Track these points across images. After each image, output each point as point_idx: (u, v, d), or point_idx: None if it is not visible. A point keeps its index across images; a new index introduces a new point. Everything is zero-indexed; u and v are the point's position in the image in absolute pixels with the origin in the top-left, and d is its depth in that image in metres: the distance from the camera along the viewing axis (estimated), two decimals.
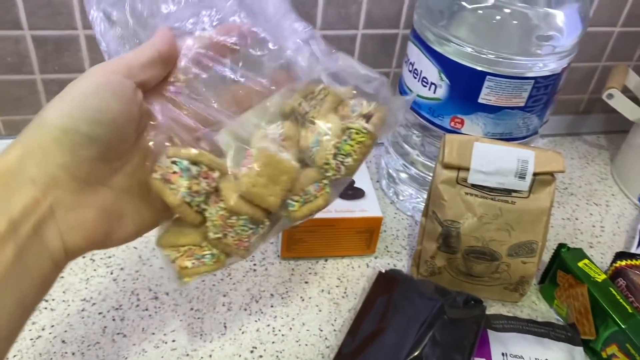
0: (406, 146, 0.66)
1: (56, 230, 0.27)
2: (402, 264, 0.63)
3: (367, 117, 0.36)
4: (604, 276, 0.56)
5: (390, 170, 0.70)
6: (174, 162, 0.32)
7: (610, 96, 0.73)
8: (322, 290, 0.59)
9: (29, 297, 0.27)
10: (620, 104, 0.74)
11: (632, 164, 0.77)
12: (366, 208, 0.60)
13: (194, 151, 0.32)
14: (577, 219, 0.72)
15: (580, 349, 0.54)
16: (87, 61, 0.66)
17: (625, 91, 0.75)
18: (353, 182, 0.63)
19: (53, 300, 0.54)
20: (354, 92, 0.37)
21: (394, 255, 0.64)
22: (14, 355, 0.49)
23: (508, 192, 0.56)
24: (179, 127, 0.32)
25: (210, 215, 0.34)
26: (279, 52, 0.36)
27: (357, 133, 0.35)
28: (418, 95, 0.61)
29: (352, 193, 0.62)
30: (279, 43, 0.36)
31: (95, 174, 0.29)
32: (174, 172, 0.32)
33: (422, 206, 0.64)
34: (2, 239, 0.24)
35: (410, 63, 0.61)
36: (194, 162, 0.32)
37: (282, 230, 0.42)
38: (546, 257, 0.62)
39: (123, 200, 0.32)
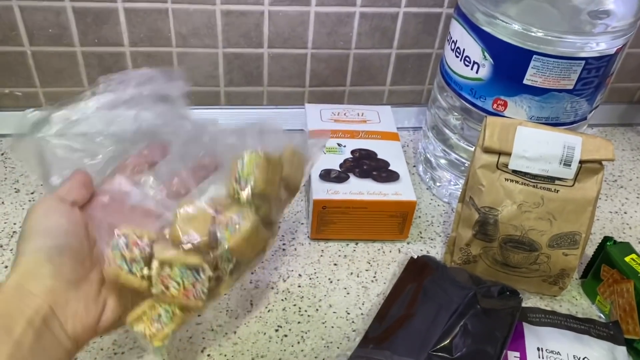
0: (445, 130, 0.64)
1: (58, 323, 0.35)
2: (436, 251, 0.61)
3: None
4: None
5: (428, 155, 0.68)
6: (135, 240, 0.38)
7: None
8: (351, 273, 0.58)
9: None
10: None
11: None
12: (400, 191, 0.58)
13: (120, 229, 0.38)
14: (625, 212, 0.68)
15: (623, 348, 0.50)
16: (125, 34, 0.66)
17: None
18: (387, 164, 0.61)
19: None
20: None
21: (427, 242, 0.62)
22: None
23: (551, 179, 0.53)
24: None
25: (151, 275, 0.38)
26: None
27: (249, 159, 0.39)
28: (459, 75, 0.58)
29: (386, 176, 0.60)
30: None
31: (75, 274, 0.37)
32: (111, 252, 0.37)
33: (459, 193, 0.61)
34: (24, 333, 0.33)
35: (453, 41, 0.58)
36: (123, 235, 0.38)
37: (245, 272, 0.43)
38: (590, 250, 0.59)
39: (102, 290, 0.39)
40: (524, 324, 0.52)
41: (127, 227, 0.38)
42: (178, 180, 0.42)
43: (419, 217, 0.65)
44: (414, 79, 0.76)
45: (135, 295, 0.38)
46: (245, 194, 0.39)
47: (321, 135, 0.53)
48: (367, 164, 0.61)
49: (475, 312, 0.50)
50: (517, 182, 0.53)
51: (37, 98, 0.70)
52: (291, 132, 0.46)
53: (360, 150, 0.63)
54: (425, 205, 0.66)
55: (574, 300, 0.57)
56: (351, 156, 0.62)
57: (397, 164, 0.61)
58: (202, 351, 0.49)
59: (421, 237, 0.62)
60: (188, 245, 0.37)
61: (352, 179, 0.59)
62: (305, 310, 0.53)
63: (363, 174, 0.60)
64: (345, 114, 0.67)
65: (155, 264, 0.37)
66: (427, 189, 0.69)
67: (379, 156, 0.62)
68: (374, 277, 0.57)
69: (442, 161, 0.66)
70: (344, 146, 0.63)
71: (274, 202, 0.42)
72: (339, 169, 0.60)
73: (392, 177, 0.60)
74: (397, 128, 0.67)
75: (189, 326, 0.51)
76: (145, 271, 0.38)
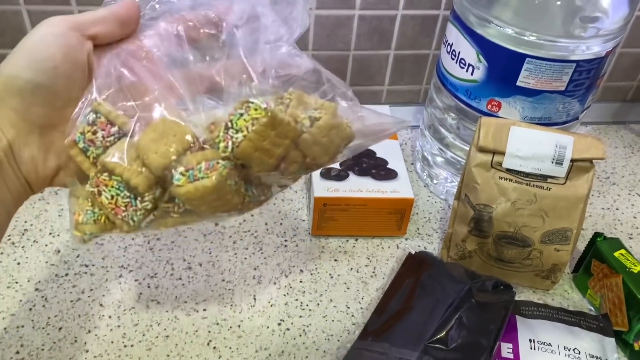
0: (442, 129, 0.66)
1: (13, 160, 0.32)
2: (433, 247, 0.63)
3: (315, 119, 0.34)
4: None
5: (425, 153, 0.70)
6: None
7: None
8: (351, 269, 0.60)
9: None
10: None
11: None
12: (398, 189, 0.60)
13: (97, 101, 0.32)
14: (617, 209, 0.70)
15: (612, 340, 0.53)
16: None
17: None
18: (386, 162, 0.63)
19: (93, 265, 0.57)
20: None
21: (424, 238, 0.64)
22: (55, 315, 0.52)
23: (544, 177, 0.55)
24: (116, 85, 0.34)
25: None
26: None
27: (255, 109, 0.31)
28: (455, 77, 0.60)
29: (385, 174, 0.62)
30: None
31: (44, 119, 0.33)
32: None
33: (455, 190, 0.63)
34: None
35: (449, 44, 0.60)
36: (95, 111, 0.33)
37: (187, 223, 0.36)
38: (581, 246, 0.61)
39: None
40: (517, 316, 0.54)
41: (107, 105, 0.33)
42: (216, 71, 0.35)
43: (417, 213, 0.67)
44: (411, 79, 0.78)
45: (80, 172, 0.34)
46: (223, 147, 0.32)
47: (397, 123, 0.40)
48: (366, 162, 0.63)
49: (470, 305, 0.52)
50: (510, 180, 0.55)
51: None
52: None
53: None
54: (422, 202, 0.68)
55: (566, 294, 0.59)
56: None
57: (395, 162, 0.63)
58: (207, 344, 0.51)
59: (419, 234, 0.64)
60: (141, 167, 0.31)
61: (352, 176, 0.61)
62: (307, 305, 0.55)
63: (362, 172, 0.62)
64: None
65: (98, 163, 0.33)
66: (425, 186, 0.71)
67: (378, 155, 0.64)
68: (373, 272, 0.60)
69: (439, 159, 0.68)
70: None
71: (266, 170, 0.34)
72: (339, 167, 0.62)
73: (391, 175, 0.62)
74: None
75: (194, 320, 0.53)
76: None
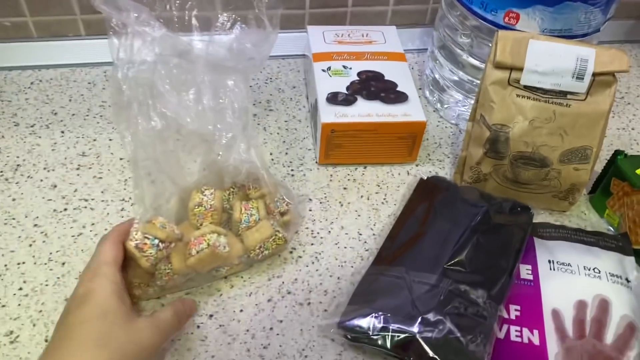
0: (455, 48, 0.62)
1: None
2: (445, 172, 0.61)
3: (282, 214, 0.50)
4: None
5: (436, 76, 0.67)
6: (146, 237, 0.43)
7: None
8: (361, 196, 0.57)
9: None
10: None
11: None
12: (409, 112, 0.57)
13: (161, 230, 0.44)
14: (633, 128, 0.68)
15: (632, 258, 0.51)
16: None
17: None
18: (395, 85, 0.60)
19: (92, 199, 0.54)
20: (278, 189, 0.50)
21: (436, 164, 0.62)
22: (57, 251, 0.50)
23: (564, 94, 0.52)
24: None
25: (159, 270, 0.45)
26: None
27: (279, 239, 0.48)
28: None
29: (395, 97, 0.59)
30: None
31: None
32: (145, 244, 0.43)
33: (467, 114, 0.61)
34: None
35: None
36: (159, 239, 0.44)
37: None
38: (598, 167, 0.59)
39: None
40: (535, 238, 0.53)
41: (166, 232, 0.45)
42: None
43: (427, 139, 0.64)
44: None
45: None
46: (254, 258, 0.49)
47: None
48: (374, 86, 0.59)
49: (488, 227, 0.50)
50: (528, 97, 0.52)
51: (26, 28, 0.67)
52: None
53: (366, 72, 0.61)
54: (432, 128, 0.66)
55: (583, 215, 0.58)
56: (358, 78, 0.60)
57: (405, 85, 0.60)
58: (224, 280, 0.49)
59: (429, 160, 0.62)
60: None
61: (360, 101, 0.58)
62: (318, 232, 0.54)
63: (371, 96, 0.59)
64: (349, 35, 0.65)
65: (168, 271, 0.45)
66: (434, 111, 0.68)
67: (386, 77, 0.61)
68: (384, 199, 0.57)
69: (451, 81, 0.65)
70: (350, 68, 0.61)
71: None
72: (346, 92, 0.59)
73: (401, 98, 0.59)
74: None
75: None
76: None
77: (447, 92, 0.66)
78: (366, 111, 0.57)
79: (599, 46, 0.52)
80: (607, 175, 0.56)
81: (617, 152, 0.56)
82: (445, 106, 0.67)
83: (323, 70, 0.61)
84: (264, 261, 0.50)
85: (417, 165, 0.61)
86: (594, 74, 0.51)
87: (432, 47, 0.67)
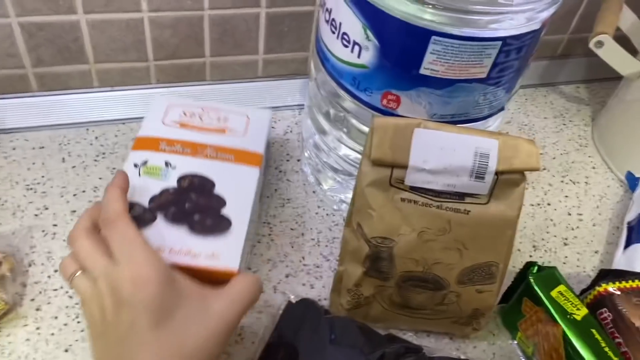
0: (323, 121, 0.48)
1: None
2: (322, 284, 0.48)
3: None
4: (585, 311, 0.41)
5: (309, 151, 0.53)
6: None
7: (600, 44, 0.56)
8: None
9: None
10: (611, 54, 0.57)
11: (619, 127, 0.62)
12: (218, 252, 0.39)
13: None
14: (549, 204, 0.57)
15: None
16: None
17: (617, 34, 0.57)
18: (223, 204, 0.42)
19: None
20: None
21: (311, 271, 0.48)
22: None
23: (460, 196, 0.40)
24: None
25: None
26: None
27: None
28: (338, 59, 0.42)
29: (211, 224, 0.41)
30: None
31: None
32: None
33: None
34: None
35: (327, 10, 0.42)
36: None
37: None
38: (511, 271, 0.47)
39: None
40: None
41: None
42: None
43: (303, 234, 0.51)
44: (293, 44, 0.59)
45: None
46: None
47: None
48: (191, 201, 0.42)
49: None
50: (416, 202, 0.40)
51: None
52: None
53: (192, 176, 0.43)
54: (310, 217, 0.52)
55: (490, 337, 0.46)
56: (175, 185, 0.42)
57: (236, 206, 0.42)
58: None
59: (304, 265, 0.49)
60: None
61: (160, 222, 0.40)
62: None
63: (177, 218, 0.40)
64: (201, 117, 0.48)
65: None
66: (314, 192, 0.54)
67: (217, 190, 0.43)
68: (239, 334, 0.44)
69: (325, 159, 0.51)
70: (174, 168, 0.43)
71: None
72: (145, 205, 0.41)
73: (219, 226, 0.41)
74: (277, 107, 0.50)
75: None
76: None
77: (323, 172, 0.52)
78: (159, 240, 0.39)
79: (503, 135, 0.40)
80: (518, 291, 0.45)
81: (529, 265, 0.44)
82: (326, 187, 0.53)
83: (135, 165, 0.43)
84: None
85: (287, 277, 0.48)
86: (497, 172, 0.40)
87: (306, 107, 0.53)
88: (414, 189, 0.40)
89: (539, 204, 0.57)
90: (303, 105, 0.62)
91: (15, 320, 0.42)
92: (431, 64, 0.38)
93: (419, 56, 0.37)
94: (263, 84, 0.61)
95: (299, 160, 0.57)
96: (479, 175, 0.39)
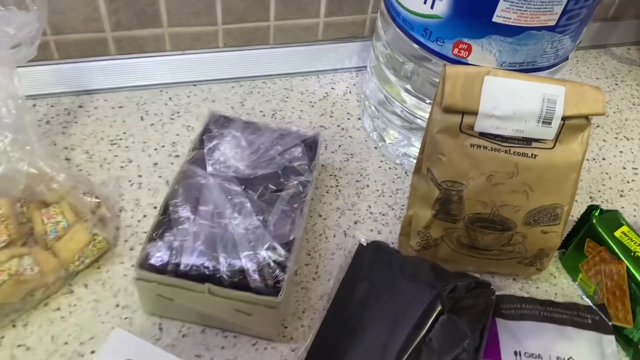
0: (392, 77, 0.51)
1: None
2: (389, 230, 0.51)
3: (94, 211, 0.45)
4: None
5: (373, 107, 0.56)
6: None
7: None
8: None
9: None
10: None
11: None
12: None
13: None
14: (604, 159, 0.59)
15: (611, 337, 0.43)
16: None
17: None
18: None
19: None
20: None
21: (378, 218, 0.51)
22: None
23: (528, 141, 0.42)
24: None
25: None
26: None
27: (99, 242, 0.43)
28: (409, 10, 0.45)
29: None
30: None
31: None
32: None
33: (414, 151, 0.50)
34: None
35: None
36: None
37: None
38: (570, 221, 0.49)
39: None
40: (498, 320, 0.43)
41: None
42: None
43: (367, 185, 0.53)
44: (353, 7, 0.62)
45: None
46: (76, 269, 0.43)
47: None
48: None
49: (440, 322, 0.40)
50: (485, 147, 0.42)
51: None
52: None
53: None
54: (374, 170, 0.55)
55: (552, 279, 0.49)
56: None
57: None
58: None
59: (371, 213, 0.51)
60: None
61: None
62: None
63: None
64: None
65: None
66: (375, 148, 0.57)
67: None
68: (316, 272, 0.47)
69: (388, 114, 0.54)
70: None
71: None
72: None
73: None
74: (336, 69, 0.53)
75: None
76: None
77: (386, 127, 0.55)
78: None
79: (569, 82, 0.42)
80: (580, 234, 0.47)
81: (592, 208, 0.46)
82: (388, 142, 0.56)
83: None
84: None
85: (355, 223, 0.51)
86: (564, 118, 0.41)
87: (369, 67, 0.56)
88: (483, 135, 0.42)
89: (594, 159, 0.59)
90: (360, 67, 0.65)
91: (112, 258, 0.45)
92: (504, 12, 0.40)
93: (493, 4, 0.39)
94: (322, 47, 0.64)
95: (359, 119, 0.59)
96: (547, 121, 0.41)
